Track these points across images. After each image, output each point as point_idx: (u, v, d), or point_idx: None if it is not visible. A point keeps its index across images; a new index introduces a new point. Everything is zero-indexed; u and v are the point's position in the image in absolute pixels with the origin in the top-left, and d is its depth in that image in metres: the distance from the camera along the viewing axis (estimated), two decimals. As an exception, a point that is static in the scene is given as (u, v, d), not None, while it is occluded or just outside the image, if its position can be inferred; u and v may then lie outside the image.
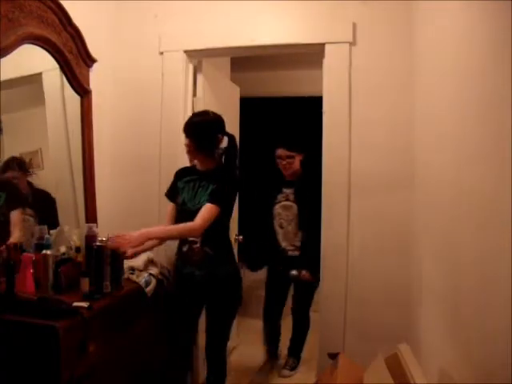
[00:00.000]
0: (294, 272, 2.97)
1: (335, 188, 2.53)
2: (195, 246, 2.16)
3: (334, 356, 2.16)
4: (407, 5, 2.44)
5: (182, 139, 2.35)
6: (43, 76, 2.39)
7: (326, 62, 2.57)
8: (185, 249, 2.23)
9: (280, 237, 3.07)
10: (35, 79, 2.36)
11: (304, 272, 2.93)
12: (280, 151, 3.00)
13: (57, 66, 2.32)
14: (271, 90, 4.38)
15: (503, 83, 1.20)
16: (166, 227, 2.22)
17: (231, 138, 2.27)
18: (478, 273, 1.42)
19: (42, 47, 2.18)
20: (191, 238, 2.17)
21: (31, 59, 2.24)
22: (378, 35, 2.50)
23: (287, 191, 3.04)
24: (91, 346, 1.78)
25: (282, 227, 3.05)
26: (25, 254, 1.98)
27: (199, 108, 2.69)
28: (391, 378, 1.78)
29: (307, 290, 3.07)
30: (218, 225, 2.14)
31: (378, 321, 2.47)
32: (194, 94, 2.86)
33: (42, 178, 2.46)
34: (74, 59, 2.38)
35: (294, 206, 3.00)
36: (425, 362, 1.91)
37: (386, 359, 1.96)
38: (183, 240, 2.23)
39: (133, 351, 2.05)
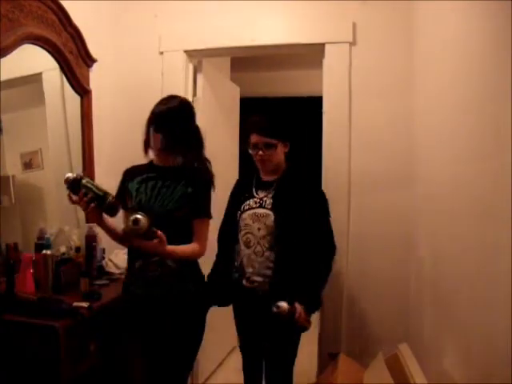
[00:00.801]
0: (281, 304, 1.83)
1: (335, 187, 2.53)
2: (153, 259, 1.76)
3: (334, 356, 2.16)
4: (407, 5, 2.44)
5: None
6: (43, 76, 2.39)
7: (326, 61, 2.57)
8: (138, 264, 1.82)
9: (244, 260, 2.02)
10: (35, 79, 2.37)
11: (300, 309, 1.86)
12: (255, 138, 2.03)
13: (57, 66, 2.32)
14: (271, 90, 4.37)
15: (503, 82, 1.20)
16: (183, 248, 1.79)
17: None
18: (478, 272, 1.42)
19: (41, 47, 2.18)
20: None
21: (31, 59, 2.24)
22: (378, 35, 2.50)
23: (262, 194, 2.06)
24: (91, 345, 1.79)
25: (248, 246, 2.01)
26: (25, 253, 1.98)
27: (200, 108, 2.68)
28: (391, 378, 1.78)
29: (291, 339, 2.02)
30: (185, 232, 1.81)
31: (378, 321, 2.47)
32: (194, 94, 2.86)
33: (42, 178, 2.46)
34: (74, 59, 2.38)
35: (271, 216, 1.99)
36: (425, 362, 1.91)
37: (386, 359, 1.96)
38: (134, 253, 1.83)
39: (133, 351, 2.05)
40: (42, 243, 2.04)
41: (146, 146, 1.93)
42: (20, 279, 1.89)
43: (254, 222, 2.02)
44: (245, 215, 2.05)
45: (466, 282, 1.52)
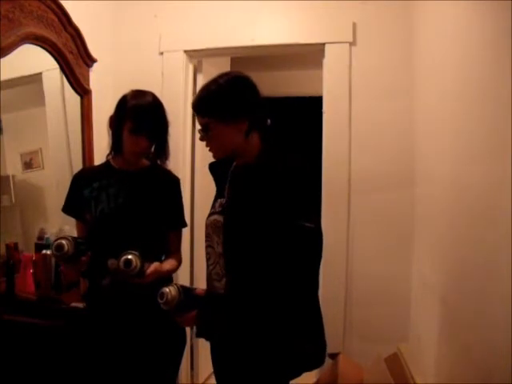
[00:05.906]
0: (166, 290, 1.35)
1: (335, 188, 2.53)
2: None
3: (334, 356, 2.16)
4: (407, 5, 2.44)
5: (185, 138, 2.26)
6: (43, 76, 2.39)
7: (326, 61, 2.57)
8: (105, 281, 1.65)
9: (207, 281, 1.49)
10: (35, 79, 2.36)
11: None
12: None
13: (57, 66, 2.32)
14: (271, 89, 4.35)
15: (504, 82, 1.20)
16: (172, 263, 1.70)
17: None
18: (478, 273, 1.42)
19: (41, 47, 2.18)
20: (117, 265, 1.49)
21: (31, 59, 2.24)
22: (378, 35, 2.50)
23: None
24: (91, 344, 1.78)
25: (208, 263, 1.48)
26: (25, 253, 1.99)
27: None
28: (391, 378, 1.78)
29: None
30: (157, 243, 1.68)
31: (378, 321, 2.47)
32: (194, 94, 2.86)
33: (42, 178, 2.47)
34: (74, 59, 2.38)
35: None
36: (425, 362, 1.91)
37: (386, 359, 1.96)
38: (92, 272, 1.64)
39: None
40: (42, 243, 2.04)
41: (116, 150, 1.71)
42: (20, 279, 1.90)
43: (213, 233, 1.44)
44: (208, 221, 1.48)
45: (466, 282, 1.52)
